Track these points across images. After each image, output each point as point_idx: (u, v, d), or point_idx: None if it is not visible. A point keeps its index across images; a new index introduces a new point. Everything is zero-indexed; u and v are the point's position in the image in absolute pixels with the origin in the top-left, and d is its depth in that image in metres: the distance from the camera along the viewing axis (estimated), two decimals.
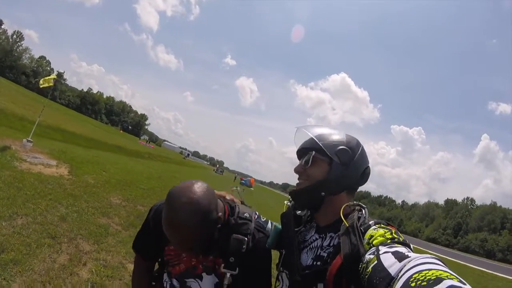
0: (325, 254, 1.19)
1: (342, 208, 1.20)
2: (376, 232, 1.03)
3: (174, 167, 28.01)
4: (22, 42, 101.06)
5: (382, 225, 1.09)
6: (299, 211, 1.44)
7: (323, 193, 1.27)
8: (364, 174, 1.31)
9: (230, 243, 1.41)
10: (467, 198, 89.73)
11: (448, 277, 0.66)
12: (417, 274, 0.70)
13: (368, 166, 1.34)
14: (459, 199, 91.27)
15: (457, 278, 0.66)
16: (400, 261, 0.82)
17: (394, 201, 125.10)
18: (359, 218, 1.13)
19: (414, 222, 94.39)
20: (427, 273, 0.69)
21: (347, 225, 1.10)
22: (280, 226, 1.43)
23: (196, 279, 1.50)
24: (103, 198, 7.76)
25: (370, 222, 1.11)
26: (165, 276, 1.59)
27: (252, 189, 35.97)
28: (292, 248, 1.30)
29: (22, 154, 8.96)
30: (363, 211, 1.18)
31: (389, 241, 0.97)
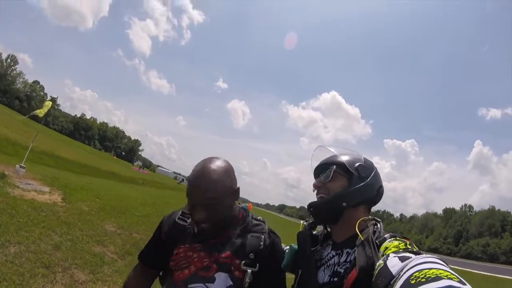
0: (342, 270, 1.19)
1: (358, 223, 1.20)
2: (391, 243, 1.03)
3: (169, 192, 27.73)
4: (16, 66, 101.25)
5: (398, 238, 1.09)
6: (315, 231, 1.48)
7: (344, 204, 1.29)
8: (378, 192, 1.36)
9: (248, 240, 1.45)
10: (465, 205, 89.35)
11: (448, 276, 0.67)
12: (417, 273, 0.72)
13: (382, 185, 1.38)
14: (457, 207, 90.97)
15: (457, 278, 0.67)
16: (402, 261, 0.84)
17: (392, 215, 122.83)
18: (374, 232, 1.14)
19: (414, 234, 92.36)
20: (428, 272, 0.70)
21: (362, 239, 1.11)
22: (295, 246, 1.44)
23: (205, 283, 1.39)
24: (97, 225, 7.56)
25: (385, 235, 1.11)
26: None
27: None
28: (309, 267, 1.31)
29: (15, 180, 8.77)
30: (378, 225, 1.18)
31: (401, 250, 0.97)
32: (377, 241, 1.09)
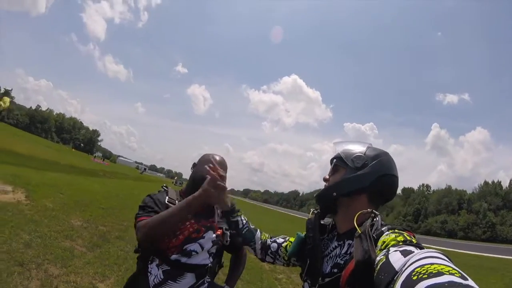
0: (342, 262, 1.25)
1: (356, 215, 1.23)
2: (388, 237, 1.06)
3: (131, 183, 27.48)
4: None
5: (396, 230, 1.13)
6: (323, 221, 1.56)
7: (334, 194, 1.38)
8: (381, 181, 1.36)
9: (224, 214, 2.08)
10: (423, 184, 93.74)
11: (450, 272, 0.66)
12: (419, 268, 0.71)
13: (391, 174, 1.39)
14: (415, 187, 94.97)
15: (459, 273, 0.66)
16: (405, 256, 0.84)
17: None
18: (372, 225, 1.17)
19: None
20: (429, 267, 0.70)
21: (360, 232, 1.12)
22: (302, 235, 1.54)
23: (197, 241, 1.89)
24: (63, 221, 7.76)
25: (383, 229, 1.15)
26: (153, 267, 1.83)
27: None
28: (316, 256, 1.38)
29: None
30: (377, 218, 1.21)
31: (400, 243, 1.00)
32: (374, 235, 1.11)
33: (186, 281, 1.83)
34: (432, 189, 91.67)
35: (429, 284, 0.63)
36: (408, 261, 0.80)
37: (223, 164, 2.08)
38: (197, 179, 1.97)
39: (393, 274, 0.80)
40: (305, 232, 1.53)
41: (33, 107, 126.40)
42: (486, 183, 76.57)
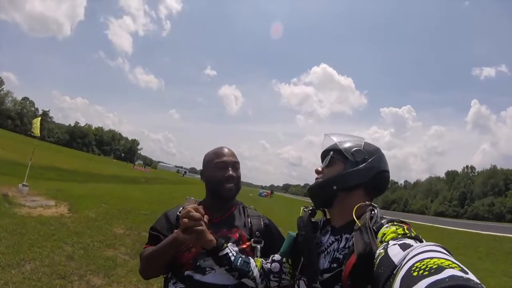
0: (341, 256, 1.23)
1: (355, 208, 1.21)
2: (388, 229, 1.05)
3: (173, 187, 27.97)
4: (3, 87, 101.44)
5: (395, 223, 1.11)
6: (313, 218, 1.51)
7: (334, 187, 1.33)
8: (379, 177, 1.35)
9: (252, 222, 1.78)
10: (467, 166, 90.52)
11: (450, 266, 0.64)
12: (418, 263, 0.70)
13: (386, 171, 1.39)
14: (460, 169, 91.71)
15: (459, 267, 0.65)
16: (404, 250, 0.82)
17: (396, 182, 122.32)
18: (371, 218, 1.15)
19: (419, 200, 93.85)
20: (429, 261, 0.68)
21: (360, 225, 1.11)
22: (294, 234, 1.48)
23: None
24: (106, 230, 7.83)
25: (382, 221, 1.13)
26: (170, 285, 1.64)
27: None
28: (311, 253, 1.34)
29: (20, 199, 9.06)
30: (375, 210, 1.19)
31: (400, 236, 0.98)
32: (374, 228, 1.09)
33: None
34: (477, 170, 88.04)
35: (430, 282, 0.61)
36: (407, 255, 0.79)
37: (226, 154, 1.80)
38: (209, 185, 1.81)
39: (392, 268, 0.79)
40: (296, 231, 1.47)
41: (72, 124, 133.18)
42: None
